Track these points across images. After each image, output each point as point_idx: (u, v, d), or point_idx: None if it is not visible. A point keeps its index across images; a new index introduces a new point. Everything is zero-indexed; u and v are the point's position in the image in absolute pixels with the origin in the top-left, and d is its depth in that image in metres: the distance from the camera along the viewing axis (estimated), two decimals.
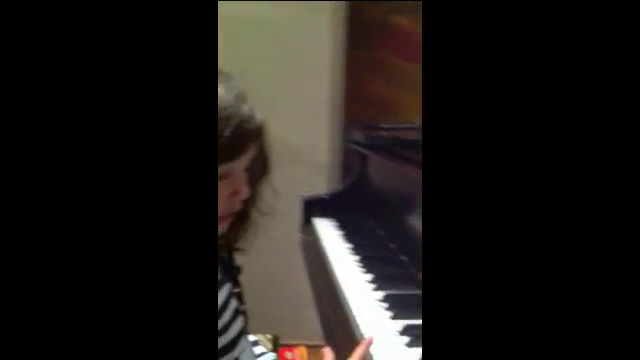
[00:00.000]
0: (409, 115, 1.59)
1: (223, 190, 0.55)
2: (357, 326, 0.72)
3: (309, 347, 1.69)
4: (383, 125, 1.34)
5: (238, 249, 0.67)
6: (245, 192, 0.57)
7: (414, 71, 1.66)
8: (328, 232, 1.20)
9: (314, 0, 1.67)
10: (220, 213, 0.55)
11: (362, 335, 0.69)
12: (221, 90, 0.52)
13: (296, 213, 1.34)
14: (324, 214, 1.33)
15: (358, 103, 1.78)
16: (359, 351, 0.63)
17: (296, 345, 1.68)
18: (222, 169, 0.53)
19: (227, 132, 0.51)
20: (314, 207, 1.35)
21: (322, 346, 0.71)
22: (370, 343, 0.65)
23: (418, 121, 1.12)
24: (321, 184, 1.73)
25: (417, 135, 1.05)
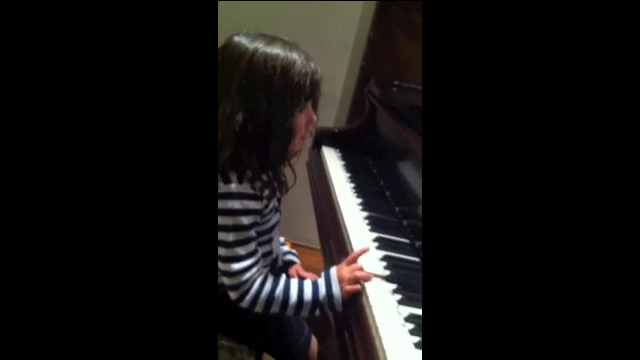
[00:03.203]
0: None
1: (304, 120, 0.81)
2: (346, 232, 0.99)
3: (294, 244, 2.05)
4: (399, 83, 1.49)
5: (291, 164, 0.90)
6: (315, 119, 0.83)
7: None
8: (333, 160, 1.44)
9: None
10: (303, 137, 0.81)
11: (349, 238, 0.95)
12: (294, 55, 0.76)
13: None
14: (331, 144, 1.56)
15: (382, 52, 1.85)
16: (353, 254, 0.83)
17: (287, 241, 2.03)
18: (303, 106, 0.78)
19: (307, 83, 0.76)
20: (324, 136, 1.57)
21: (309, 247, 0.89)
22: (365, 251, 0.84)
23: None
24: (330, 117, 1.92)
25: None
